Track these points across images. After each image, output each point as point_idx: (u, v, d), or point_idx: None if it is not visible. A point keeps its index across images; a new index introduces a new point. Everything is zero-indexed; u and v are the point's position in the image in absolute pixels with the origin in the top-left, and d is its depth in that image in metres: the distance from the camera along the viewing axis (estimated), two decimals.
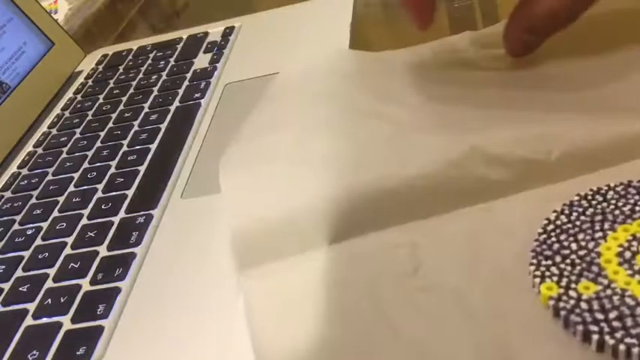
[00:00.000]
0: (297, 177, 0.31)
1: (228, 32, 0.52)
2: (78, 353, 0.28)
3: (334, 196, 0.29)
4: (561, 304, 0.22)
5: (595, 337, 0.21)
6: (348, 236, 0.28)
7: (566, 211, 0.25)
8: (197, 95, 0.45)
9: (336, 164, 0.31)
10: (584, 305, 0.22)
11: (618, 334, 0.20)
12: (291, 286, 0.27)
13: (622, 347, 0.20)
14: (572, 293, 0.22)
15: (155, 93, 0.47)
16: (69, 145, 0.45)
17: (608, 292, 0.22)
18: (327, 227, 0.29)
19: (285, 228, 0.29)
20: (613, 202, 0.25)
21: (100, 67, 0.55)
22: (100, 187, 0.39)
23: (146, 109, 0.46)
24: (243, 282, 0.28)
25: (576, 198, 0.26)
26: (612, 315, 0.21)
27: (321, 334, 0.24)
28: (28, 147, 0.47)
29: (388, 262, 0.26)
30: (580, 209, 0.25)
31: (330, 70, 0.39)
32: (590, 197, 0.25)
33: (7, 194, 0.42)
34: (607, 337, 0.20)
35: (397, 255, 0.26)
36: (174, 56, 0.52)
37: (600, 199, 0.25)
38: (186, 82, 0.47)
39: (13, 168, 0.45)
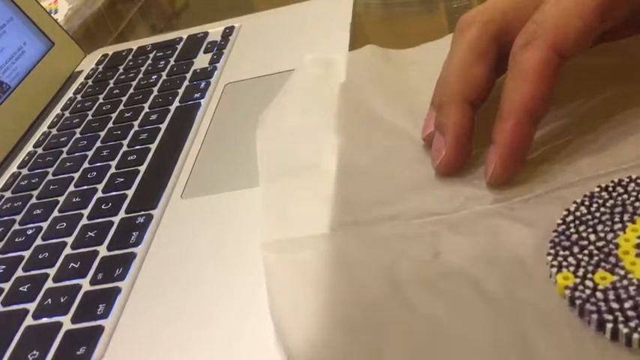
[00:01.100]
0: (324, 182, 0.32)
1: (228, 32, 0.52)
2: (78, 353, 0.28)
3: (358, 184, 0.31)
4: (577, 294, 0.22)
5: (609, 325, 0.21)
6: (372, 223, 0.29)
7: (587, 203, 0.25)
8: (197, 95, 0.45)
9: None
10: (599, 295, 0.22)
11: (632, 323, 0.20)
12: (311, 262, 0.27)
13: (636, 336, 0.20)
14: (588, 283, 0.22)
15: (155, 93, 0.47)
16: (69, 145, 0.45)
17: (625, 282, 0.22)
18: (351, 211, 0.29)
19: (309, 208, 0.30)
20: (634, 194, 0.25)
21: (100, 67, 0.55)
22: (100, 187, 0.39)
23: (146, 109, 0.46)
24: (265, 255, 0.28)
25: (597, 189, 0.26)
26: (627, 305, 0.21)
27: (338, 310, 0.25)
28: (28, 147, 0.47)
29: (408, 247, 0.27)
30: (600, 200, 0.25)
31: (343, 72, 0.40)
32: (610, 189, 0.25)
33: (7, 194, 0.42)
34: (621, 326, 0.21)
35: (418, 242, 0.27)
36: (174, 56, 0.52)
37: (621, 190, 0.25)
38: (186, 82, 0.47)
39: (13, 168, 0.45)
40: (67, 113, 0.50)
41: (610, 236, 0.24)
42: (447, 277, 0.25)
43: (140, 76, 0.51)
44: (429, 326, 0.23)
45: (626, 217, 0.24)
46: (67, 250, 0.35)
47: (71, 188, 0.40)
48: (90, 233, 0.35)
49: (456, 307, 0.24)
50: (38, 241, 0.36)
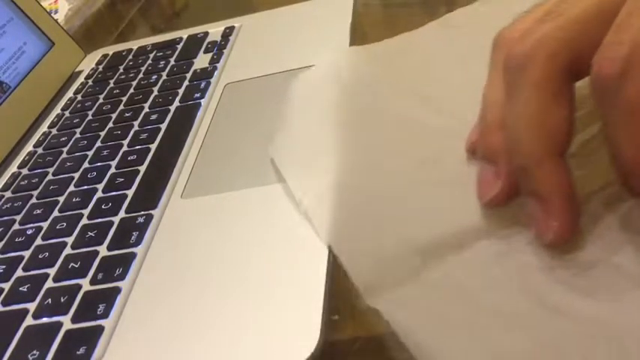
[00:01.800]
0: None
1: (228, 32, 0.52)
2: (78, 353, 0.28)
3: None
4: None
5: None
6: (462, 246, 0.27)
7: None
8: (197, 95, 0.45)
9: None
10: None
11: None
12: (440, 299, 0.25)
13: None
14: None
15: (155, 93, 0.47)
16: (69, 145, 0.45)
17: None
18: (434, 235, 0.27)
19: (404, 250, 0.27)
20: None
21: (100, 67, 0.55)
22: (100, 187, 0.39)
23: (146, 109, 0.46)
24: (386, 308, 0.26)
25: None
26: None
27: (496, 341, 0.23)
28: (28, 147, 0.47)
29: (522, 259, 0.25)
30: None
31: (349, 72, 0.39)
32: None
33: (7, 194, 0.42)
34: None
35: (531, 252, 0.25)
36: (174, 56, 0.52)
37: None
38: (186, 82, 0.47)
39: (13, 168, 0.45)
40: (67, 113, 0.50)
41: None
42: (579, 278, 0.24)
43: (140, 76, 0.51)
44: (594, 327, 0.22)
45: None
46: (67, 250, 0.35)
47: (71, 188, 0.40)
48: (90, 233, 0.35)
49: (613, 301, 0.23)
50: (38, 241, 0.36)
